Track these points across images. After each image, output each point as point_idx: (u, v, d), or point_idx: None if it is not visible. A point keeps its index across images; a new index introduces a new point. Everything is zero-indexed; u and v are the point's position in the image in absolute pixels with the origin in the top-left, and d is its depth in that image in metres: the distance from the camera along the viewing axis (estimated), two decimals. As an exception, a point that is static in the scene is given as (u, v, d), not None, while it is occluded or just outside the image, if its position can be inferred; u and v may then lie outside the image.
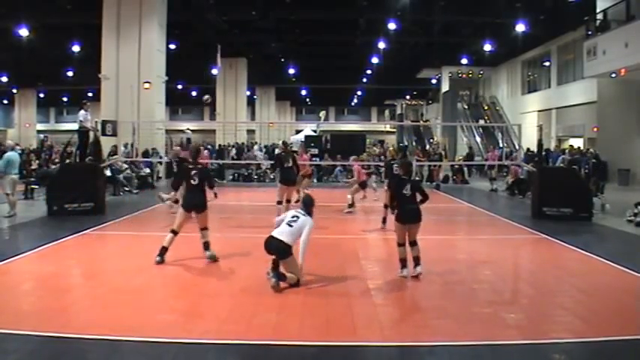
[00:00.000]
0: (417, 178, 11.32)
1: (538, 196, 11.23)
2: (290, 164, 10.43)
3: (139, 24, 19.25)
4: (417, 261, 6.35)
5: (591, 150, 18.34)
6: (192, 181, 7.08)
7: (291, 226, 5.88)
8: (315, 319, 4.95)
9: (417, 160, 20.46)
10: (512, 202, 14.89)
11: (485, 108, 34.12)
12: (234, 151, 26.15)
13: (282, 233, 5.84)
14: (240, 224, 10.62)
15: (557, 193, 10.97)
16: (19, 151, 14.08)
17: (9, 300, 5.42)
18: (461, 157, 20.89)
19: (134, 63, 19.25)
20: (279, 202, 10.26)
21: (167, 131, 21.65)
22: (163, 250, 6.87)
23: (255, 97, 43.05)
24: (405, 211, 6.37)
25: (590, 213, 11.02)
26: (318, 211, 12.53)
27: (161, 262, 6.81)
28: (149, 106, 19.13)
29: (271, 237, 5.87)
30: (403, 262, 6.35)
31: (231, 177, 21.07)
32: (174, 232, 6.95)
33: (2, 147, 11.32)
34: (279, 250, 5.76)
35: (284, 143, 12.18)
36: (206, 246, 7.08)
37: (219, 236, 9.30)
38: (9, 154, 10.94)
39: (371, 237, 9.54)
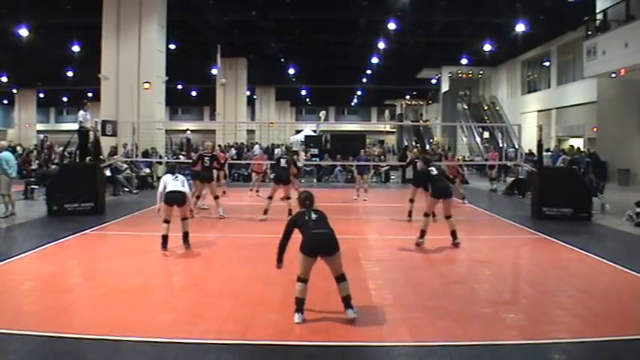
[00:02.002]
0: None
1: (538, 196, 11.22)
2: (285, 165, 11.31)
3: (139, 24, 19.24)
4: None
5: (584, 149, 18.33)
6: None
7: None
8: (314, 318, 4.94)
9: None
10: (512, 202, 14.88)
11: (485, 108, 34.12)
12: (233, 151, 26.13)
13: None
14: (240, 224, 10.61)
15: (557, 193, 10.97)
16: (11, 150, 14.06)
17: (9, 300, 5.42)
18: (460, 158, 20.87)
19: (134, 63, 19.23)
20: (270, 198, 11.03)
21: (167, 131, 21.63)
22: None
23: (255, 97, 43.06)
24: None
25: (589, 213, 11.02)
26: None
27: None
28: (149, 106, 19.12)
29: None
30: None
31: (230, 178, 21.04)
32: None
33: None
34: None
35: (286, 148, 14.05)
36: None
37: (219, 236, 9.32)
38: (3, 154, 10.92)
39: (371, 237, 9.55)
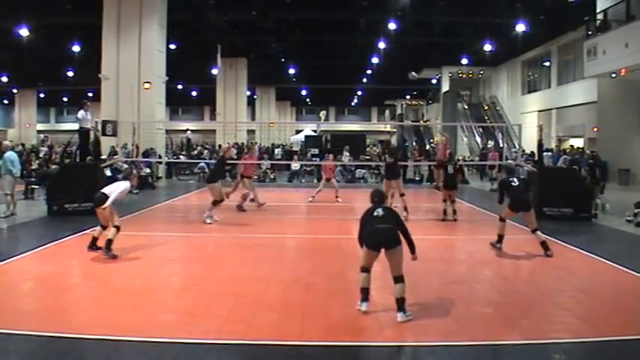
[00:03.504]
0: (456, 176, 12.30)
1: (538, 196, 11.21)
2: None
3: (139, 24, 19.24)
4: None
5: (588, 151, 18.28)
6: None
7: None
8: (314, 319, 4.95)
9: (415, 160, 20.50)
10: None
11: (486, 108, 34.12)
12: (233, 150, 26.09)
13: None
14: (240, 224, 10.60)
15: (558, 193, 10.97)
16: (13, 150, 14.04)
17: (9, 300, 5.42)
18: (460, 158, 20.89)
19: (134, 63, 19.24)
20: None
21: (167, 131, 21.64)
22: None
23: (255, 96, 43.07)
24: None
25: (590, 213, 11.02)
26: (319, 211, 12.56)
27: None
28: (149, 106, 19.13)
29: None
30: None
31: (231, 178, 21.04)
32: None
33: (1, 147, 11.31)
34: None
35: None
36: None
37: (220, 236, 9.33)
38: (8, 154, 10.95)
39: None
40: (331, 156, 15.83)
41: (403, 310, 4.88)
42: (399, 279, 4.98)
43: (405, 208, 10.72)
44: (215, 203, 10.42)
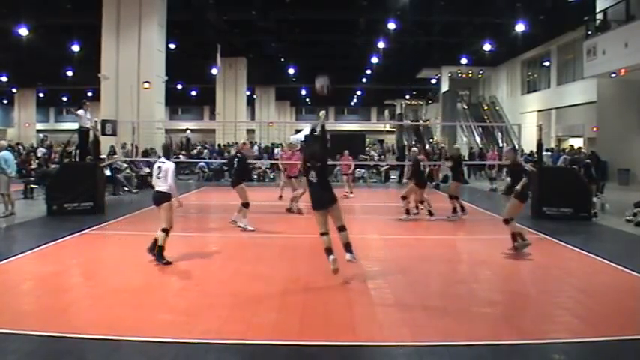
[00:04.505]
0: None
1: (538, 196, 11.22)
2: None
3: (139, 24, 19.23)
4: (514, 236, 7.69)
5: (585, 151, 18.28)
6: None
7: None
8: (314, 318, 4.95)
9: (420, 161, 20.44)
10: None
11: (485, 108, 34.13)
12: (233, 151, 26.10)
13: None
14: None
15: (557, 193, 10.97)
16: (12, 150, 14.06)
17: (9, 300, 5.42)
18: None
19: (134, 63, 19.23)
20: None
21: (167, 131, 21.63)
22: None
23: (254, 96, 43.05)
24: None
25: (589, 213, 11.02)
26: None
27: None
28: (149, 105, 19.12)
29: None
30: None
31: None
32: None
33: None
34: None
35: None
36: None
37: (220, 235, 9.33)
38: (3, 154, 10.92)
39: (371, 237, 9.54)
40: (347, 152, 16.28)
41: (350, 252, 5.99)
42: (342, 228, 6.05)
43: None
44: (245, 206, 9.62)
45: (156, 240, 6.90)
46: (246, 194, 9.62)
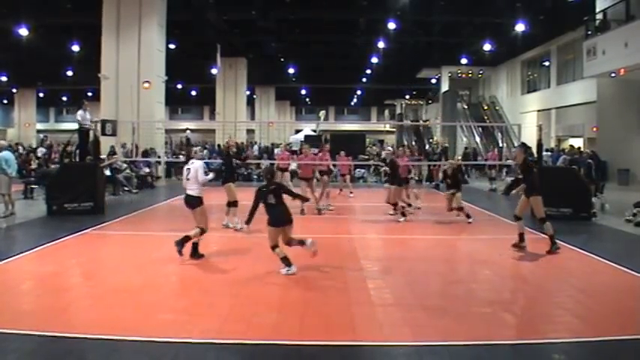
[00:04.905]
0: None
1: (537, 196, 11.20)
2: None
3: (139, 24, 19.24)
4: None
5: (586, 150, 18.25)
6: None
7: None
8: (314, 318, 4.95)
9: (419, 160, 20.48)
10: (511, 202, 14.86)
11: (485, 108, 34.12)
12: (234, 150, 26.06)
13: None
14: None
15: (557, 193, 10.96)
16: (12, 150, 14.04)
17: (9, 300, 5.42)
18: (459, 158, 20.87)
19: (134, 63, 19.24)
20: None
21: (167, 131, 21.64)
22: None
23: (255, 96, 43.05)
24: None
25: (589, 213, 11.02)
26: (318, 211, 12.50)
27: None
28: (149, 105, 19.12)
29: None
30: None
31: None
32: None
33: None
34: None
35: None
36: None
37: (220, 235, 9.32)
38: (3, 154, 10.91)
39: (371, 237, 9.54)
40: (342, 153, 16.13)
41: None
42: (288, 242, 6.59)
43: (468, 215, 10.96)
44: (230, 205, 9.71)
45: (188, 237, 7.05)
46: (233, 193, 9.72)
